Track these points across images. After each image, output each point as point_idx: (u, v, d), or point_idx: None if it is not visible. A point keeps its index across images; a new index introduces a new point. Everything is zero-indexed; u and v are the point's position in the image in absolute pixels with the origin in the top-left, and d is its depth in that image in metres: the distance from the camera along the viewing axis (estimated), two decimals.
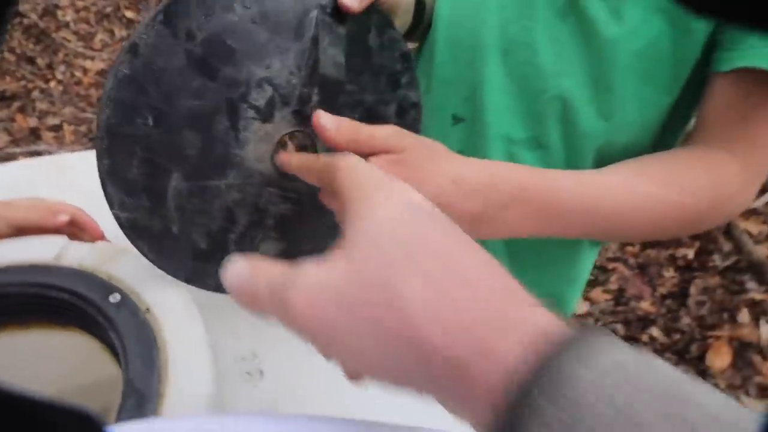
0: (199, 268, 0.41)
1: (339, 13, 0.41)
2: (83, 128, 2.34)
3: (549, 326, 0.17)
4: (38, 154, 2.09)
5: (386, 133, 0.37)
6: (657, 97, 0.47)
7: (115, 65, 0.36)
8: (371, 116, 0.45)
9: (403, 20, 0.53)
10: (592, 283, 1.61)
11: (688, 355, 1.42)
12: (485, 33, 0.50)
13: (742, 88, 0.43)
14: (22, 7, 3.36)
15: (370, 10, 0.42)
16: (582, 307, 1.55)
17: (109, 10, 3.58)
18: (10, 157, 2.07)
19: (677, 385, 0.15)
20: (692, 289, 1.55)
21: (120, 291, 0.38)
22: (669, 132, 0.51)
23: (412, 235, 0.19)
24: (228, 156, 0.40)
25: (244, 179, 0.41)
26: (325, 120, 0.36)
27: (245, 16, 0.38)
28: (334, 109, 0.41)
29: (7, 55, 2.96)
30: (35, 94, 2.65)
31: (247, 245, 0.42)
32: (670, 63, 0.45)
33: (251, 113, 0.40)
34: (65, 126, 2.33)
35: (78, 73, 2.85)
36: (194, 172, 0.39)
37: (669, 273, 1.62)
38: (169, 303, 0.38)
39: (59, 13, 3.49)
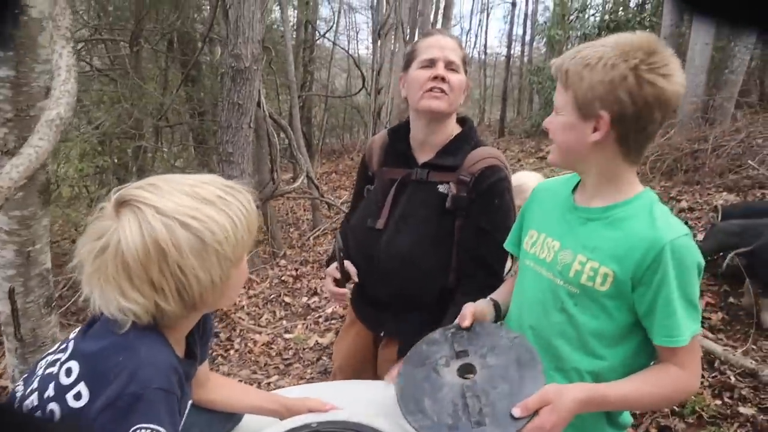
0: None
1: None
2: (255, 387, 2.97)
3: None
4: None
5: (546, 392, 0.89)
6: (612, 351, 0.99)
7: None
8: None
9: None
10: None
11: None
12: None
13: (666, 348, 0.94)
14: None
15: None
16: None
17: (272, 296, 4.60)
18: None
19: None
20: None
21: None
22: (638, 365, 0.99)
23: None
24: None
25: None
26: (516, 410, 0.86)
27: None
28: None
29: None
30: (218, 360, 3.43)
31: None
32: (613, 333, 0.98)
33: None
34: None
35: (250, 344, 3.64)
36: None
37: None
38: None
39: (237, 299, 4.53)
